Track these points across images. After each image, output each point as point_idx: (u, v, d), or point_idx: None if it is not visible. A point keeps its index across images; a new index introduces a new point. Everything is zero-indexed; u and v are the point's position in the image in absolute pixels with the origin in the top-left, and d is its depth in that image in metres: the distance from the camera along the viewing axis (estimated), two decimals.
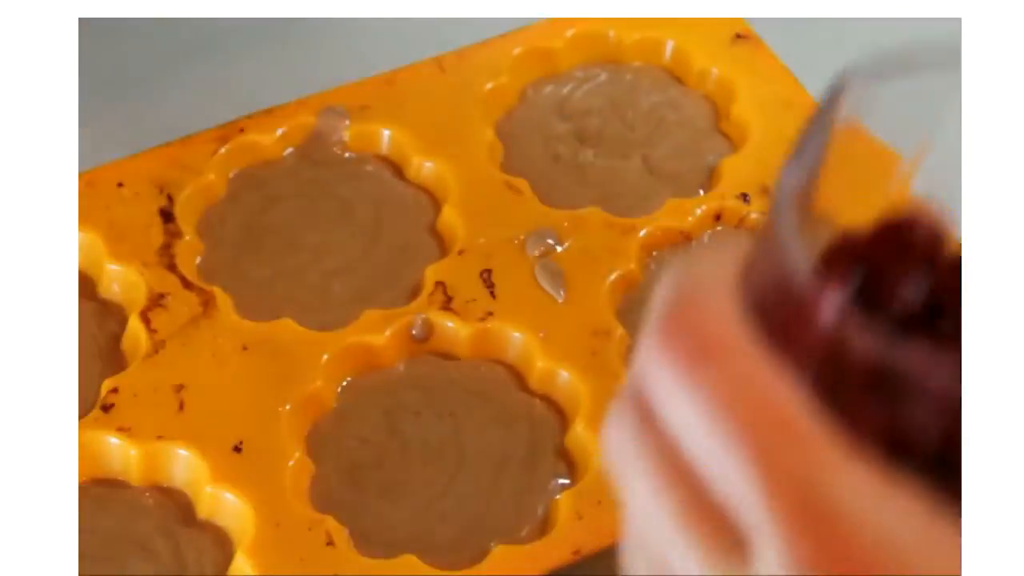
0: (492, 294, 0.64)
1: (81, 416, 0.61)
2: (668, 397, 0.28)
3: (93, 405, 0.61)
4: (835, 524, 0.26)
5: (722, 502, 0.27)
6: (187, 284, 0.65)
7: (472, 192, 0.68)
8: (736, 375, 0.27)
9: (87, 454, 0.60)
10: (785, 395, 0.27)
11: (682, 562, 0.28)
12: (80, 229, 0.66)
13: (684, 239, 0.67)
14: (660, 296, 0.29)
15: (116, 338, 0.64)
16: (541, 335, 0.63)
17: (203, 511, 0.59)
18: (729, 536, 0.28)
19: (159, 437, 0.60)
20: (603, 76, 0.74)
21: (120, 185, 0.68)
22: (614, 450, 0.29)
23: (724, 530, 0.28)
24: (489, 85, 0.72)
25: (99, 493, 0.60)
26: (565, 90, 0.73)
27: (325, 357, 0.62)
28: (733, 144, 0.71)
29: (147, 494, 0.60)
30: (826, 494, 0.26)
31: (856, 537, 0.26)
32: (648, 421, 0.29)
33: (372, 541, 0.58)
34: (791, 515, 0.26)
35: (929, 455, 0.27)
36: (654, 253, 0.67)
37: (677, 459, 0.28)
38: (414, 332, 0.63)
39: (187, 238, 0.66)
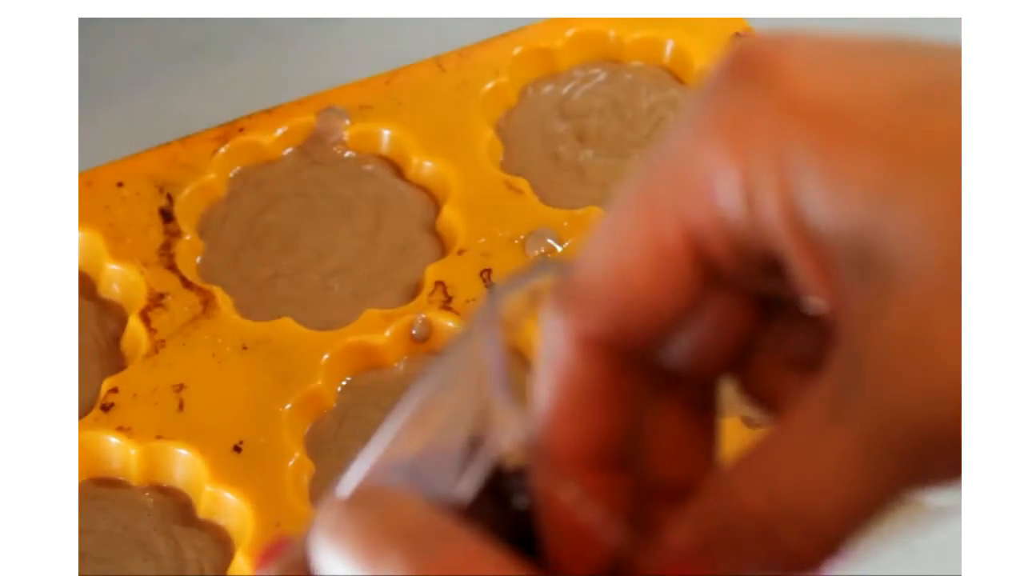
0: None
1: (81, 416, 0.61)
2: None
3: (93, 405, 0.61)
4: None
5: None
6: (187, 284, 0.65)
7: (472, 192, 0.68)
8: None
9: (87, 454, 0.60)
10: None
11: None
12: (80, 229, 0.66)
13: None
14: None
15: (116, 338, 0.64)
16: None
17: (203, 511, 0.59)
18: None
19: (159, 437, 0.60)
20: (603, 75, 0.74)
21: (120, 185, 0.68)
22: None
23: None
24: (489, 85, 0.72)
25: (99, 493, 0.60)
26: (565, 90, 0.73)
27: (325, 357, 0.62)
28: None
29: (147, 494, 0.60)
30: None
31: None
32: None
33: None
34: None
35: None
36: None
37: None
38: (414, 332, 0.64)
39: (187, 238, 0.66)
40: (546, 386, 0.28)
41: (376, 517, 0.27)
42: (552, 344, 0.28)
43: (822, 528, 0.25)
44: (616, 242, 0.28)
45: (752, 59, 0.27)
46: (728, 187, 0.26)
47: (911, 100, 0.25)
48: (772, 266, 0.27)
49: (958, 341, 0.24)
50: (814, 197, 0.25)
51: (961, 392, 0.24)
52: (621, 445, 0.29)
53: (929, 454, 0.25)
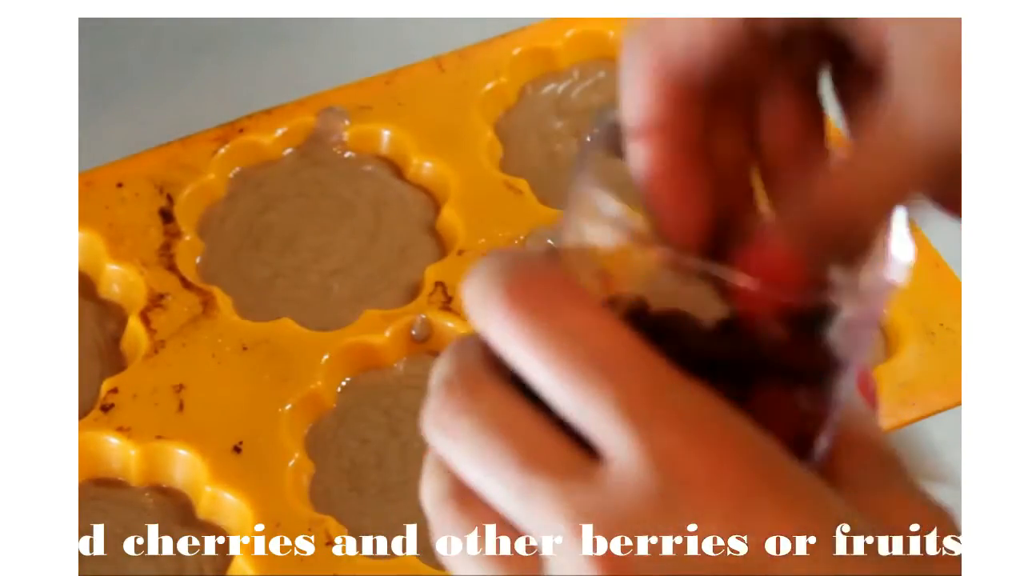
0: None
1: (81, 416, 0.61)
2: (524, 345, 0.31)
3: (93, 405, 0.61)
4: (688, 419, 0.30)
5: (579, 426, 0.30)
6: (187, 284, 0.65)
7: (472, 192, 0.68)
8: (583, 323, 0.31)
9: (87, 454, 0.60)
10: (625, 336, 0.31)
11: (523, 502, 0.30)
12: (80, 229, 0.66)
13: None
14: (489, 270, 0.32)
15: (116, 338, 0.64)
16: None
17: (203, 511, 0.59)
18: (575, 462, 0.30)
19: (159, 437, 0.60)
20: (601, 73, 0.73)
21: (120, 185, 0.68)
22: (446, 411, 0.32)
23: (569, 458, 0.30)
24: (489, 85, 0.72)
25: (99, 493, 0.60)
26: (563, 88, 0.73)
27: (325, 357, 0.62)
28: None
29: (147, 494, 0.60)
30: (674, 400, 0.30)
31: (708, 426, 0.30)
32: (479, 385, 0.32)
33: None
34: (653, 420, 0.30)
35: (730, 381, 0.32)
36: None
37: (513, 409, 0.31)
38: (414, 332, 0.63)
39: (187, 238, 0.66)
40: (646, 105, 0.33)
41: (524, 282, 0.31)
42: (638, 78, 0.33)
43: (865, 219, 0.32)
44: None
45: None
46: None
47: None
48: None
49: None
50: None
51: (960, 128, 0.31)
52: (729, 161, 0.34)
53: (941, 167, 0.31)
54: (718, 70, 0.33)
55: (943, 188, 0.32)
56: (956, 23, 0.31)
